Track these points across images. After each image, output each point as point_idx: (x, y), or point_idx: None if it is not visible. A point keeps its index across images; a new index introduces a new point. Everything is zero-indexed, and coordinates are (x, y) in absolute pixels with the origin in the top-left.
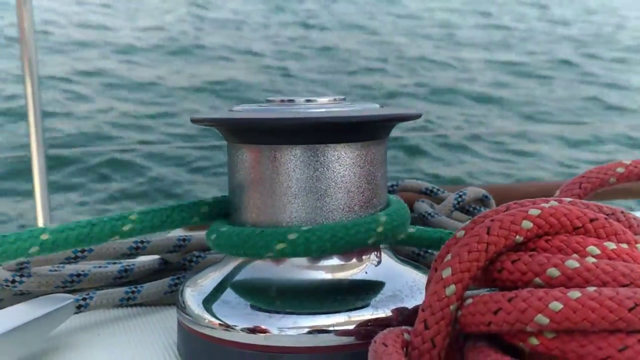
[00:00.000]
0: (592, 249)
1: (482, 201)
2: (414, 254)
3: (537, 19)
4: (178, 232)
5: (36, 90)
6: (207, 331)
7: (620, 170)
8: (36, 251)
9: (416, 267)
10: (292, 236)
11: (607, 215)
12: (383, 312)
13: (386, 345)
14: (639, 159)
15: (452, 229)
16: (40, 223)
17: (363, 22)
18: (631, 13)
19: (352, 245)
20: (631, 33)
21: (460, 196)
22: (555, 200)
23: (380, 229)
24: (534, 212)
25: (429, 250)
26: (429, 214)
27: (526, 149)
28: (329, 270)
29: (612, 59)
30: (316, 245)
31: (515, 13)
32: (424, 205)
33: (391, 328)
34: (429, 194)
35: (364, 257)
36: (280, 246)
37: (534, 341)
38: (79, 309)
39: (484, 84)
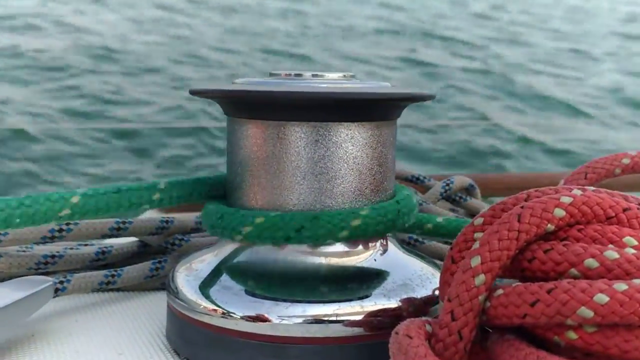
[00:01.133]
0: (629, 239)
1: (468, 190)
2: (405, 242)
3: None
4: (154, 214)
5: None
6: (204, 319)
7: (625, 161)
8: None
9: (420, 257)
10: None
11: (638, 204)
12: (395, 302)
13: (411, 337)
14: None
15: (443, 217)
16: None
17: None
18: None
19: (366, 234)
20: None
21: (447, 185)
22: (579, 189)
23: (393, 222)
24: (566, 199)
25: (420, 239)
26: (418, 202)
27: None
28: (335, 257)
29: None
30: (327, 233)
31: None
32: None
33: (412, 319)
34: (414, 181)
35: (370, 244)
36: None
37: (572, 335)
38: (56, 292)
39: None
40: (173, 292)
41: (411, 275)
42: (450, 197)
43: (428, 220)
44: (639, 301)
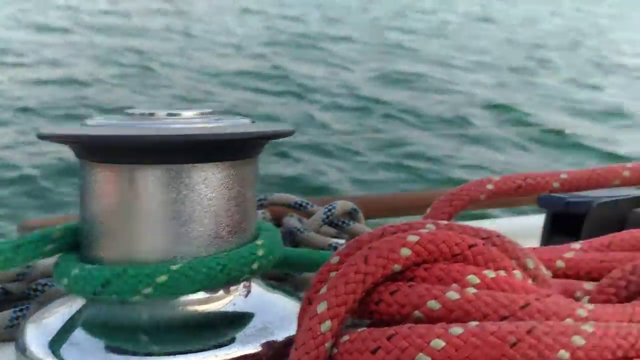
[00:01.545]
0: (472, 278)
1: (351, 214)
2: (282, 274)
3: None
4: None
5: None
6: None
7: (489, 187)
8: None
9: (287, 293)
10: (160, 279)
11: (484, 239)
12: (253, 347)
13: None
14: (508, 175)
15: (322, 245)
16: None
17: None
18: None
19: (227, 282)
20: None
21: (329, 210)
22: (432, 224)
23: (255, 266)
24: (413, 238)
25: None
26: (298, 229)
27: None
28: (193, 304)
29: None
30: (187, 286)
31: None
32: (292, 220)
33: None
34: (298, 207)
35: (231, 288)
36: (147, 291)
37: None
38: None
39: None
40: (21, 349)
41: (272, 317)
42: (333, 223)
43: (296, 255)
44: (473, 345)
